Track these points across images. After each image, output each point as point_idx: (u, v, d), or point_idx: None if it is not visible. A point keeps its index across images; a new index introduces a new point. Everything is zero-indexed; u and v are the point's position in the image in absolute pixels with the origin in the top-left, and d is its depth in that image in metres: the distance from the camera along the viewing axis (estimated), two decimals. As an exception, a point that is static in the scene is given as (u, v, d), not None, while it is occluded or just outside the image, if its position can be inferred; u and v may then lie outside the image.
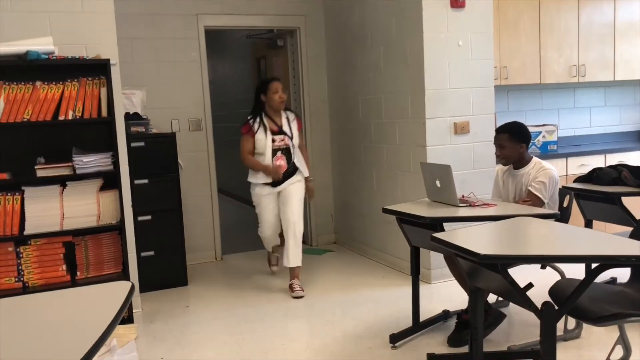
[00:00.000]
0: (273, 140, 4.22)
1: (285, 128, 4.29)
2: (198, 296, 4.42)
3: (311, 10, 5.58)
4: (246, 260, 5.40)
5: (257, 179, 4.29)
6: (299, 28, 5.56)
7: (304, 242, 4.42)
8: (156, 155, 4.48)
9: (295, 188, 4.30)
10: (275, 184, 4.26)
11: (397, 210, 3.29)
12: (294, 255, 4.27)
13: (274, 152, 4.22)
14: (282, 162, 4.23)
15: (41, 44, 3.50)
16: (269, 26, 5.61)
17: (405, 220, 3.27)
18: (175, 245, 4.57)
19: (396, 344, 3.26)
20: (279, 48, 5.92)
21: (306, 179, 4.39)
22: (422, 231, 3.10)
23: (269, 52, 6.32)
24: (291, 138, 4.28)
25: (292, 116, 4.38)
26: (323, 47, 5.67)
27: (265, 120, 4.26)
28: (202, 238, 5.34)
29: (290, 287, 4.27)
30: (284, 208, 4.29)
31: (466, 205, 3.23)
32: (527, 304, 2.16)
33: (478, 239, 2.48)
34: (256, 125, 4.23)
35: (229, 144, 6.70)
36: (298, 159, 4.31)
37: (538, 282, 2.32)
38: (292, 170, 4.29)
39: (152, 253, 4.47)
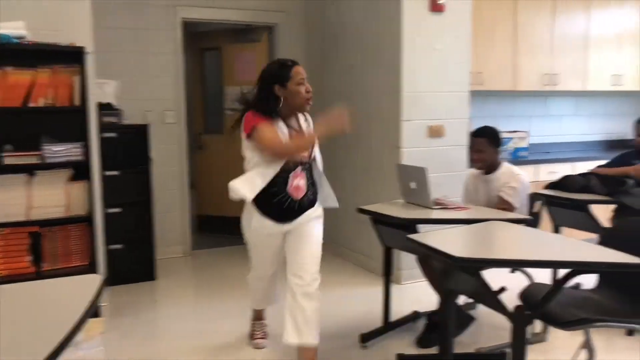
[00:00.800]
0: None
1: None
2: (166, 291, 4.36)
3: (291, 7, 5.55)
4: (216, 256, 5.35)
5: (253, 212, 2.85)
6: (277, 24, 5.53)
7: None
8: (128, 147, 4.41)
9: (313, 227, 2.91)
10: (283, 219, 2.84)
11: (372, 211, 3.30)
12: (306, 325, 2.76)
13: (293, 166, 2.83)
14: (301, 181, 2.84)
15: (12, 28, 3.39)
16: (248, 21, 5.55)
17: (380, 220, 3.28)
18: (144, 238, 4.51)
19: (366, 344, 3.28)
20: (248, 42, 5.76)
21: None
22: (396, 232, 3.12)
23: (234, 45, 5.75)
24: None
25: (310, 119, 3.09)
26: (301, 45, 5.64)
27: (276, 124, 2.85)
28: (172, 232, 5.27)
29: None
30: (297, 246, 2.88)
31: (440, 208, 3.25)
32: (500, 307, 2.18)
33: (452, 242, 2.50)
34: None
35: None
36: (321, 183, 3.00)
37: (506, 285, 2.36)
38: (311, 198, 2.91)
39: (120, 246, 4.40)
